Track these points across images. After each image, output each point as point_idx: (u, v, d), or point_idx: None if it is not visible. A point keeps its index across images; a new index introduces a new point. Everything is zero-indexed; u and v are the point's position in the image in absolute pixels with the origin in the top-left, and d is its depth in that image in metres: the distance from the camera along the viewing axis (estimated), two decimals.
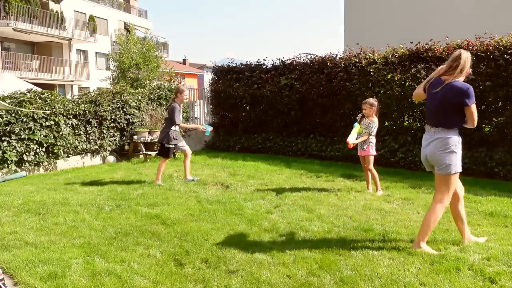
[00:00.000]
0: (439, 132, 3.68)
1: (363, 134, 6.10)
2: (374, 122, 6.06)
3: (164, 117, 7.14)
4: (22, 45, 27.49)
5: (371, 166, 6.11)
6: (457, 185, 3.78)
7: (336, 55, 9.83)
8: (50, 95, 8.54)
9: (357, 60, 9.09)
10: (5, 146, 7.55)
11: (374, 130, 6.07)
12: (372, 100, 6.10)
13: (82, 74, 30.44)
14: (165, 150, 6.93)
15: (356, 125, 6.12)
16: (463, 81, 3.65)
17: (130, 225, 4.59)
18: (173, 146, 6.92)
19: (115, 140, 9.71)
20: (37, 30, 26.00)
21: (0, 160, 7.52)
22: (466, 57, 3.62)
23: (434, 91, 3.68)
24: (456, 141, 3.65)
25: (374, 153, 6.17)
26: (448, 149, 3.62)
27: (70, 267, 3.49)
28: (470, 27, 8.62)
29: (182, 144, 7.13)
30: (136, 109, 10.09)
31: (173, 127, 6.90)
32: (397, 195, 5.92)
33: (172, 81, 22.62)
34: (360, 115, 6.24)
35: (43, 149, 8.16)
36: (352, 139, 5.93)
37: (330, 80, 9.54)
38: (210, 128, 7.10)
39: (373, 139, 6.12)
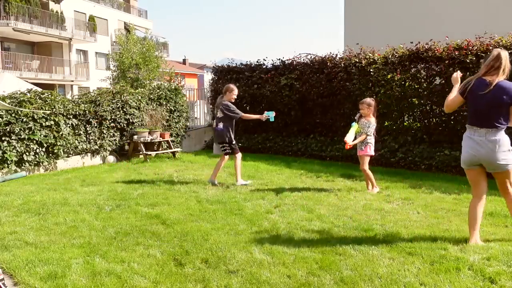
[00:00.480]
0: (492, 134, 3.69)
1: (361, 134, 6.10)
2: (371, 122, 6.06)
3: (218, 117, 6.78)
4: (22, 45, 27.49)
5: (365, 167, 6.09)
6: (485, 187, 3.90)
7: (336, 55, 9.83)
8: (50, 95, 8.53)
9: (357, 60, 9.10)
10: (5, 146, 7.55)
11: (371, 130, 6.06)
12: (369, 100, 6.10)
13: (82, 74, 30.44)
14: (233, 148, 6.83)
15: (354, 124, 6.11)
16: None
17: (130, 225, 4.59)
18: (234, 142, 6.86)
19: (115, 140, 9.71)
20: (37, 30, 26.01)
21: (0, 160, 7.52)
22: (506, 56, 3.67)
23: (481, 92, 3.68)
24: (508, 139, 3.73)
25: (372, 153, 6.16)
26: (506, 150, 3.70)
27: (70, 267, 3.49)
28: (470, 27, 8.62)
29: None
30: (136, 109, 10.09)
31: (233, 125, 6.82)
32: (397, 195, 5.92)
33: (172, 81, 22.60)
34: (358, 114, 6.24)
35: (43, 149, 8.16)
36: (349, 138, 5.93)
37: (330, 80, 9.54)
38: (273, 114, 6.78)
39: (371, 139, 6.11)
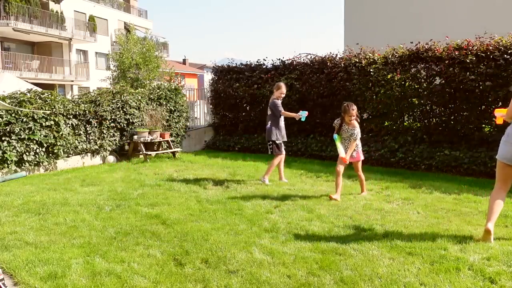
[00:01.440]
0: None
1: (347, 142, 5.84)
2: (356, 127, 5.77)
3: (268, 114, 6.99)
4: (22, 45, 27.49)
5: (360, 171, 5.98)
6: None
7: (336, 55, 9.84)
8: (50, 95, 8.53)
9: (357, 60, 9.10)
10: (5, 146, 7.54)
11: (359, 136, 5.84)
12: (355, 106, 5.78)
13: (82, 74, 30.45)
14: (277, 147, 6.89)
15: (337, 137, 5.82)
16: None
17: (130, 225, 4.59)
18: (281, 142, 6.89)
19: (115, 140, 9.71)
20: (37, 30, 26.01)
21: (0, 160, 7.52)
22: None
23: None
24: None
25: (362, 157, 6.08)
26: None
27: (70, 267, 3.49)
28: (470, 27, 8.62)
29: (283, 145, 7.05)
30: (136, 109, 10.08)
31: (281, 124, 6.87)
32: (397, 195, 5.92)
33: (172, 81, 22.60)
34: (337, 121, 5.93)
35: (43, 149, 8.15)
36: (343, 153, 5.73)
37: (330, 80, 9.55)
38: (305, 114, 6.77)
39: (359, 143, 5.95)
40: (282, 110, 6.87)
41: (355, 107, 5.75)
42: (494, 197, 3.99)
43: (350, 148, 5.80)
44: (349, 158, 5.85)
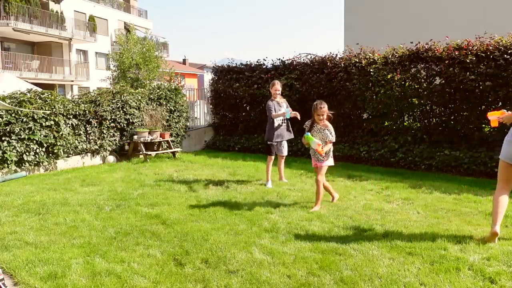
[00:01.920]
0: None
1: (321, 143, 5.17)
2: (329, 127, 5.28)
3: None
4: (22, 45, 27.49)
5: (322, 177, 5.29)
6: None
7: (336, 55, 9.83)
8: (50, 95, 8.53)
9: (357, 60, 9.09)
10: (5, 146, 7.54)
11: (332, 137, 5.27)
12: (325, 104, 5.28)
13: (82, 74, 30.45)
14: (267, 148, 6.96)
15: (308, 134, 5.20)
16: None
17: (130, 225, 4.59)
18: (276, 143, 6.89)
19: (115, 140, 9.71)
20: (37, 30, 26.01)
21: (0, 160, 7.52)
22: None
23: None
24: None
25: (331, 163, 5.43)
26: None
27: (70, 267, 3.49)
28: (470, 27, 8.62)
29: (282, 145, 7.03)
30: (136, 109, 10.08)
31: (275, 124, 6.88)
32: (397, 195, 5.92)
33: (172, 81, 22.60)
34: (308, 122, 5.44)
35: (43, 149, 8.15)
36: (318, 140, 5.15)
37: (330, 80, 9.54)
38: (288, 111, 6.71)
39: (331, 148, 5.39)
40: (273, 113, 6.83)
41: (325, 105, 5.27)
42: (497, 197, 3.98)
43: (326, 147, 5.22)
44: (318, 162, 5.34)
